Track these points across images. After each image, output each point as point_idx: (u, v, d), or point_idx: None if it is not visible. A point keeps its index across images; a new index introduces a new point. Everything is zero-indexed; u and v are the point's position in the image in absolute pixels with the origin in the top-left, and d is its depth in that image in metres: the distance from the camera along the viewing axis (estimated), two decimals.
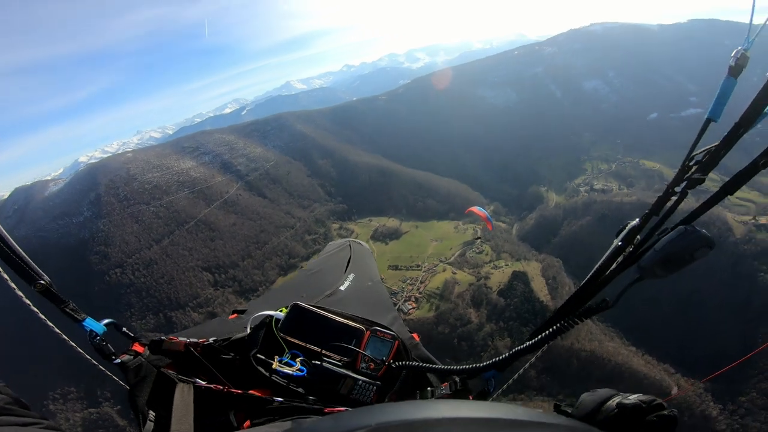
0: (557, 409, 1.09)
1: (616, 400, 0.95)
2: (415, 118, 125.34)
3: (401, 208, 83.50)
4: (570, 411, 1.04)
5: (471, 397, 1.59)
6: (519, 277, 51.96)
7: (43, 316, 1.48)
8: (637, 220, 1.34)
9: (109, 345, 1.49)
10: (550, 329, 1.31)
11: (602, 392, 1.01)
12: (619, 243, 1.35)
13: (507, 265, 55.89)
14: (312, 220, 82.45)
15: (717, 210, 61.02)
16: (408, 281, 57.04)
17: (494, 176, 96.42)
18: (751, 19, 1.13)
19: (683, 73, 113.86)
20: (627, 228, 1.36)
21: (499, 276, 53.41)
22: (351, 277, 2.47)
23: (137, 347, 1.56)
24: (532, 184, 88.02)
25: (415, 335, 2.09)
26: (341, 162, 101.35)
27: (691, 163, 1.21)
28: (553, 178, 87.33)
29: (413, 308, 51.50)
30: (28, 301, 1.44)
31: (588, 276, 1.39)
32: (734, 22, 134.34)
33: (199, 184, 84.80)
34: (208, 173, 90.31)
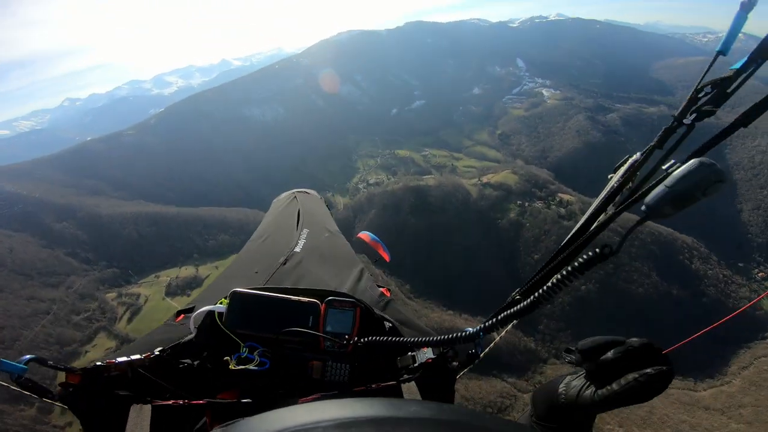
0: (567, 351, 1.05)
1: (622, 343, 0.92)
2: (176, 150, 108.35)
3: (191, 252, 71.98)
4: (574, 349, 1.01)
5: (457, 362, 1.49)
6: None
7: None
8: (638, 154, 1.20)
9: (37, 383, 1.36)
10: (546, 286, 1.07)
11: (609, 336, 0.96)
12: (620, 179, 1.19)
13: None
14: (75, 296, 61.19)
15: (453, 179, 78.16)
16: None
17: (281, 192, 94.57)
18: None
19: (407, 71, 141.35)
20: (628, 163, 1.21)
21: None
22: (305, 233, 2.22)
23: (72, 379, 1.39)
24: (318, 192, 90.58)
25: (385, 290, 1.83)
26: (90, 219, 77.70)
27: (700, 95, 1.10)
28: (334, 182, 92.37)
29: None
30: None
31: (583, 219, 1.20)
32: (433, 22, 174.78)
33: None
34: None
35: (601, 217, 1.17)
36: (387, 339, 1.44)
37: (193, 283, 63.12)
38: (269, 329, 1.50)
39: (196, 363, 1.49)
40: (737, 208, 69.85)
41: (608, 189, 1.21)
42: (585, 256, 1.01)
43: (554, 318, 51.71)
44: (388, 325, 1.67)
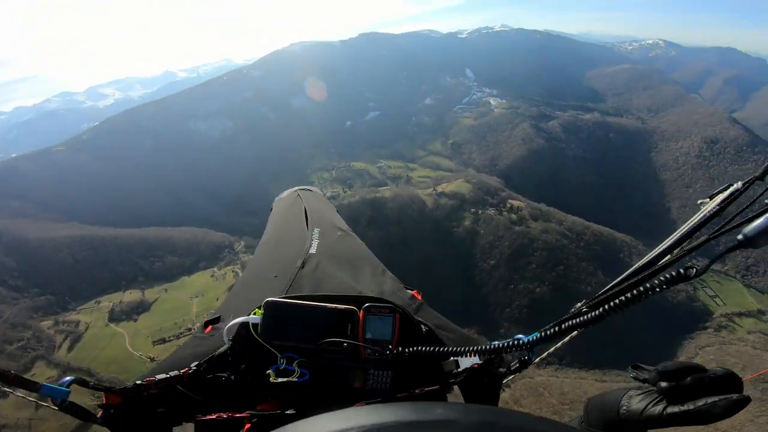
0: (635, 367, 1.06)
1: (702, 370, 0.93)
2: (113, 167, 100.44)
3: (136, 275, 67.46)
4: (648, 371, 1.01)
5: (504, 368, 1.48)
6: None
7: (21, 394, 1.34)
8: (740, 183, 1.19)
9: (81, 407, 1.37)
10: (619, 300, 1.03)
11: (690, 362, 0.97)
12: (717, 206, 1.17)
13: None
14: (5, 326, 55.60)
15: (409, 189, 78.69)
16: None
17: (232, 211, 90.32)
18: None
19: (361, 83, 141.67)
20: (728, 192, 1.19)
21: None
22: (316, 232, 2.17)
23: (112, 399, 1.41)
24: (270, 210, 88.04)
25: (416, 293, 1.80)
26: (17, 244, 70.31)
27: None
28: None
29: None
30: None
31: (670, 239, 1.19)
32: (386, 34, 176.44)
33: None
34: None
35: (687, 242, 1.15)
36: (432, 349, 1.38)
37: (140, 307, 59.71)
38: (307, 339, 1.46)
39: (233, 377, 1.47)
40: (666, 206, 76.28)
41: (702, 214, 1.19)
42: (667, 276, 0.98)
43: (513, 321, 53.15)
44: (425, 329, 1.63)
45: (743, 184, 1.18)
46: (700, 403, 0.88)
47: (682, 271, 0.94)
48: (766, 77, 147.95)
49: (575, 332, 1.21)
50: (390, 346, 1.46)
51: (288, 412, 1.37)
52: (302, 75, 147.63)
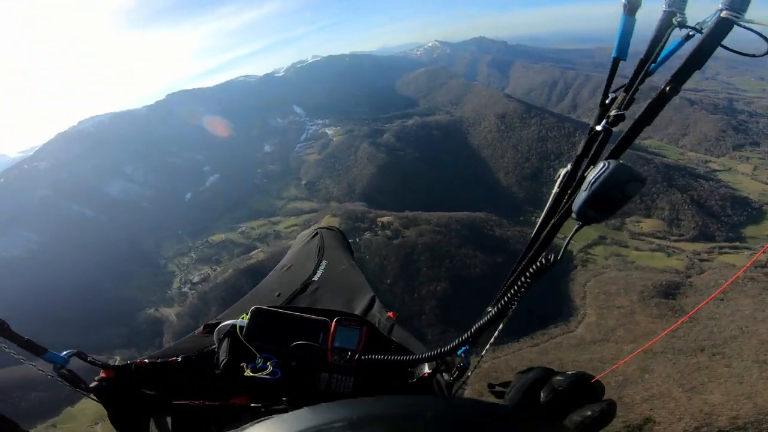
0: (491, 389, 1.14)
1: (549, 383, 0.93)
2: None
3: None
4: (504, 393, 1.06)
5: (450, 376, 1.63)
6: None
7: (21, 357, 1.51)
8: (569, 166, 1.31)
9: (75, 374, 1.52)
10: (508, 295, 1.21)
11: (535, 372, 0.99)
12: (557, 191, 1.30)
13: None
14: None
15: (281, 244, 74.52)
16: None
17: (87, 330, 69.95)
18: None
19: (187, 147, 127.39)
20: (560, 175, 1.31)
21: None
22: (323, 264, 2.46)
23: (106, 373, 1.58)
24: (135, 314, 71.68)
25: (391, 314, 2.08)
26: None
27: (607, 101, 1.24)
28: (150, 296, 74.82)
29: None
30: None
31: (533, 232, 1.35)
32: (197, 89, 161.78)
33: None
34: None
35: (547, 230, 1.28)
36: (385, 357, 1.59)
37: None
38: (283, 342, 1.66)
39: (216, 370, 1.64)
40: (496, 177, 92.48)
41: (549, 203, 1.30)
42: (533, 268, 1.10)
43: (431, 324, 55.32)
44: (393, 345, 1.83)
45: (572, 165, 1.29)
46: (573, 426, 0.84)
47: (543, 261, 1.07)
48: (511, 56, 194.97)
49: (486, 330, 1.32)
50: (352, 349, 1.66)
51: (254, 405, 1.51)
52: (110, 155, 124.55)
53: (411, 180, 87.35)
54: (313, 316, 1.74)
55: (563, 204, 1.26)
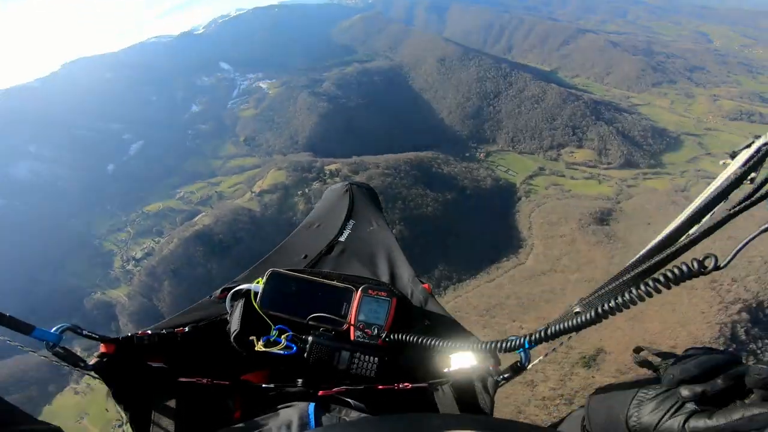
0: (637, 353, 0.91)
1: (735, 370, 0.75)
2: None
3: None
4: (658, 364, 0.85)
5: (498, 370, 1.34)
6: None
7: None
8: (763, 139, 0.88)
9: (71, 351, 1.34)
10: (620, 299, 0.84)
11: (725, 356, 0.78)
12: (741, 168, 0.87)
13: None
14: None
15: (227, 205, 70.50)
16: None
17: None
18: None
19: (100, 117, 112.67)
20: (753, 147, 0.89)
21: None
22: (351, 224, 2.28)
23: (106, 348, 1.40)
24: (81, 302, 65.87)
25: (426, 286, 1.83)
26: None
27: None
28: (92, 280, 68.45)
29: None
30: None
31: (681, 218, 0.91)
32: (103, 54, 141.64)
33: None
34: None
35: (706, 219, 0.86)
36: (421, 339, 1.34)
37: None
38: (301, 313, 1.47)
39: (226, 342, 1.48)
40: (439, 117, 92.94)
41: (723, 181, 0.89)
42: (683, 269, 0.75)
43: None
44: (426, 322, 1.60)
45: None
46: (735, 416, 0.69)
47: (695, 264, 0.72)
48: None
49: (570, 335, 0.99)
50: (379, 324, 1.44)
51: (266, 385, 1.36)
52: (7, 136, 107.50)
53: (356, 126, 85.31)
54: (335, 283, 1.53)
55: (754, 191, 0.80)
